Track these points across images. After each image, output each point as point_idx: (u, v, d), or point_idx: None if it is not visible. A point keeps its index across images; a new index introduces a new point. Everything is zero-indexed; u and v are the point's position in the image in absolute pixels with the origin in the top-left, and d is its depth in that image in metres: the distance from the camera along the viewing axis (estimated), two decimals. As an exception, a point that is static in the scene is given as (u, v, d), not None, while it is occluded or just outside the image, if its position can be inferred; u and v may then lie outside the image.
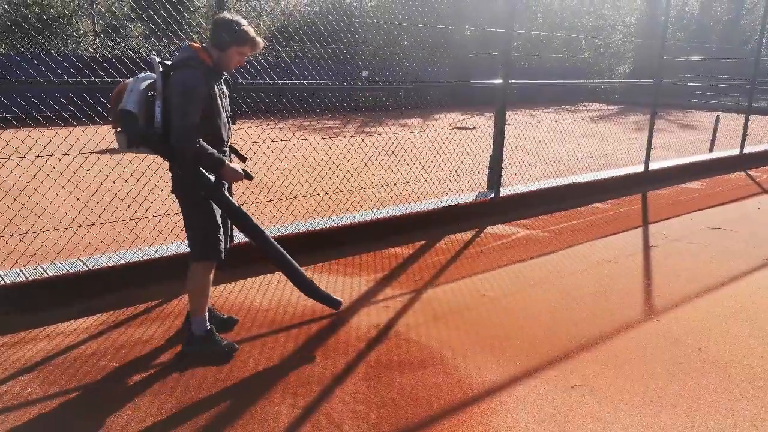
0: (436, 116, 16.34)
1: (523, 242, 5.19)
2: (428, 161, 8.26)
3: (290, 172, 7.02)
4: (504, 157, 6.10)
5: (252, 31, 2.96)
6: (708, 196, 7.30)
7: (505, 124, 6.06)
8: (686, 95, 22.62)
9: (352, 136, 11.92)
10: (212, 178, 2.95)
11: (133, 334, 3.31)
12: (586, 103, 23.51)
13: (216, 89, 2.93)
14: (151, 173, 5.10)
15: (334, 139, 11.20)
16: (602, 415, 2.63)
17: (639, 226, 5.80)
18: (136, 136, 2.79)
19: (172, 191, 3.04)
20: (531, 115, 16.85)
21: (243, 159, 3.34)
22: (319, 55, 16.58)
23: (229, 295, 3.90)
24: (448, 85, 6.97)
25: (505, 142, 6.09)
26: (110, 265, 3.84)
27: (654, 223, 5.94)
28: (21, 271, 3.67)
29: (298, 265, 3.37)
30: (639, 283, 4.28)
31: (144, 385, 2.81)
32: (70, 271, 3.71)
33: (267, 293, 3.94)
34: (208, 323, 3.12)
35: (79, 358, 3.04)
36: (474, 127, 12.96)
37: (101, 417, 2.55)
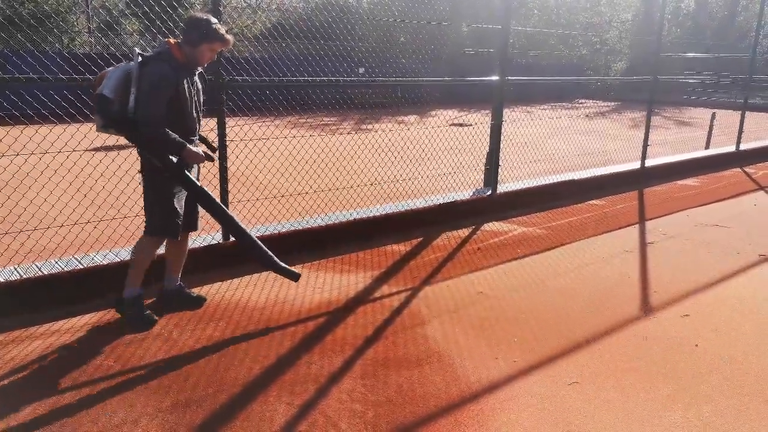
0: (433, 113, 16.32)
1: (520, 239, 5.19)
2: (425, 158, 8.26)
3: (286, 169, 6.99)
4: (501, 154, 6.10)
5: (222, 29, 3.22)
6: (704, 192, 7.31)
7: (502, 120, 6.05)
8: (682, 92, 22.66)
9: (348, 133, 11.89)
10: (175, 160, 3.19)
11: (129, 333, 3.29)
12: (583, 100, 23.52)
13: (186, 83, 3.20)
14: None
15: (331, 136, 11.18)
16: (599, 413, 2.63)
17: (636, 223, 5.81)
18: (109, 118, 3.06)
19: (139, 171, 3.29)
20: (528, 112, 16.85)
21: (213, 149, 3.60)
22: (315, 52, 16.54)
23: (225, 293, 3.88)
24: (444, 81, 6.94)
25: (501, 139, 6.08)
26: (105, 263, 3.82)
27: (650, 219, 5.95)
28: (15, 269, 3.64)
29: (258, 241, 3.54)
30: (636, 279, 4.28)
31: (140, 383, 2.79)
32: (65, 269, 3.68)
33: (263, 291, 3.92)
34: (141, 290, 3.40)
35: (74, 357, 3.02)
36: (470, 124, 12.95)
37: (97, 416, 2.53)
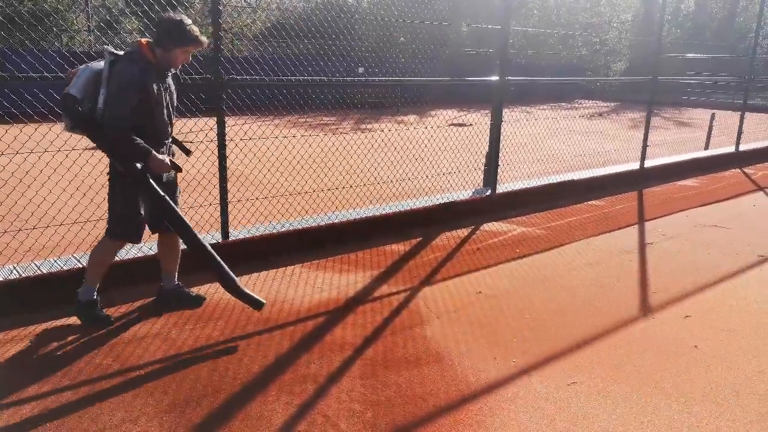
0: (433, 113, 16.32)
1: (519, 239, 5.19)
2: (424, 158, 8.25)
3: (285, 168, 6.99)
4: (500, 154, 6.10)
5: (195, 31, 3.10)
6: (703, 193, 7.32)
7: (502, 121, 6.05)
8: (682, 93, 22.67)
9: (347, 133, 11.89)
10: (140, 167, 3.08)
11: (127, 332, 3.29)
12: (582, 101, 23.53)
13: (156, 85, 3.10)
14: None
15: (330, 136, 11.17)
16: (599, 413, 2.63)
17: (635, 224, 5.81)
18: (76, 119, 2.99)
19: (108, 172, 3.21)
20: (527, 112, 16.85)
21: (187, 153, 3.45)
22: (315, 51, 16.53)
23: (224, 292, 3.87)
24: (444, 81, 6.93)
25: (501, 139, 6.08)
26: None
27: (650, 220, 5.95)
28: (14, 268, 3.64)
29: (221, 261, 3.32)
30: (635, 280, 4.28)
31: (139, 383, 2.79)
32: (64, 268, 3.68)
33: (262, 291, 3.92)
34: (95, 294, 3.36)
35: (72, 356, 3.01)
36: (470, 124, 12.95)
37: (95, 415, 2.53)
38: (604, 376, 2.94)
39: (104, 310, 3.43)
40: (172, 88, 3.30)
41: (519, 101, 17.55)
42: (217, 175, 4.24)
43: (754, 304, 3.90)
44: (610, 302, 3.86)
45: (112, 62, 3.01)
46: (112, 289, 3.71)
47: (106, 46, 3.06)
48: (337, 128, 13.00)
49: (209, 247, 3.32)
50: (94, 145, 3.09)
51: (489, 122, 6.18)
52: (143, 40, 3.09)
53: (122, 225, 3.26)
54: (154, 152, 3.09)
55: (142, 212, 3.27)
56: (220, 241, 4.30)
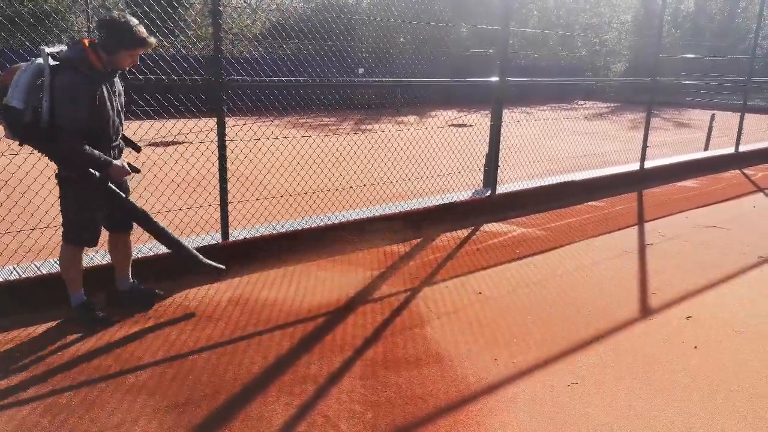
0: (432, 114, 16.32)
1: (519, 240, 5.19)
2: (424, 159, 8.25)
3: (285, 169, 6.99)
4: (500, 155, 6.10)
5: (143, 33, 3.00)
6: (703, 194, 7.32)
7: (501, 121, 6.06)
8: (682, 93, 22.67)
9: (348, 134, 11.89)
10: (97, 174, 3.05)
11: (127, 333, 3.29)
12: (582, 101, 23.54)
13: (104, 89, 3.00)
14: (145, 170, 5.07)
15: (330, 137, 11.17)
16: (598, 414, 2.63)
17: (635, 225, 5.81)
18: (20, 132, 2.85)
19: (56, 176, 3.13)
20: (527, 113, 16.85)
21: (137, 149, 3.46)
22: (315, 52, 16.54)
23: (224, 292, 3.88)
24: (444, 82, 6.93)
25: (501, 139, 6.08)
26: (104, 263, 3.81)
27: (650, 221, 5.95)
28: (14, 269, 3.64)
29: (183, 242, 3.54)
30: (635, 281, 4.28)
31: (139, 383, 2.79)
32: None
33: (262, 291, 3.92)
34: (84, 296, 3.36)
35: (73, 357, 3.01)
36: (470, 125, 12.95)
37: (95, 416, 2.53)
38: (604, 377, 2.95)
39: (100, 313, 3.41)
40: (120, 88, 3.20)
41: (519, 102, 17.56)
42: (217, 175, 4.24)
43: (754, 305, 3.90)
44: (610, 303, 3.86)
45: (54, 68, 2.84)
46: (107, 290, 3.71)
47: (42, 47, 2.86)
48: (337, 129, 13.00)
49: (171, 234, 3.46)
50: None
51: (489, 123, 6.18)
52: (86, 41, 2.93)
53: (76, 230, 3.21)
54: (114, 162, 3.08)
55: (96, 216, 3.23)
56: (220, 241, 4.30)
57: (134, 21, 2.99)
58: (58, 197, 3.19)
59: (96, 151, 3.00)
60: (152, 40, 3.05)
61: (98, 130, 3.05)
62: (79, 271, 3.35)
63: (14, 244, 4.14)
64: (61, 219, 3.24)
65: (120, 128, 3.24)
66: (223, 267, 3.76)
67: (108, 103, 3.05)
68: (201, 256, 3.60)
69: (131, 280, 3.68)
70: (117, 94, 3.16)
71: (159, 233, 3.41)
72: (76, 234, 3.23)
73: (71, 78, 2.85)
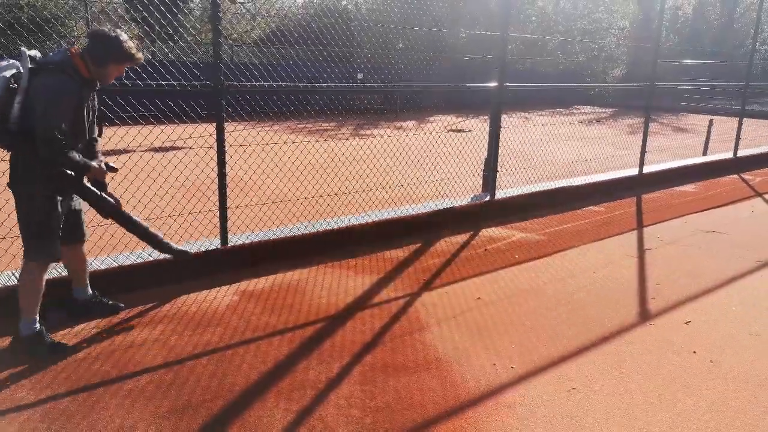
0: (431, 119, 16.36)
1: (519, 245, 5.19)
2: (423, 164, 8.27)
3: (285, 174, 7.00)
4: (499, 159, 6.11)
5: (131, 48, 2.99)
6: (702, 199, 7.33)
7: (500, 126, 6.07)
8: (680, 99, 22.74)
9: (347, 139, 11.91)
10: (73, 174, 2.97)
11: (125, 338, 3.28)
12: (580, 107, 23.60)
13: (85, 94, 2.97)
14: (144, 176, 5.08)
15: (329, 142, 11.19)
16: (598, 419, 2.63)
17: (633, 229, 5.82)
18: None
19: (8, 185, 2.97)
20: (525, 118, 16.89)
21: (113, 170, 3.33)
22: (314, 57, 16.59)
23: (223, 298, 3.87)
24: (443, 88, 6.96)
25: (499, 145, 6.09)
26: (103, 268, 3.81)
27: (648, 226, 5.96)
28: (13, 274, 3.63)
29: (160, 236, 3.45)
30: (634, 286, 4.29)
31: (137, 389, 2.78)
32: (62, 274, 3.67)
33: (261, 297, 3.92)
34: (37, 324, 3.10)
35: (71, 362, 3.01)
36: (468, 130, 12.98)
37: (94, 421, 2.52)
38: (602, 383, 2.94)
39: (51, 336, 3.17)
40: (96, 102, 3.18)
41: (517, 107, 17.60)
42: (217, 181, 4.25)
43: (753, 309, 3.90)
44: (608, 308, 3.86)
45: (34, 71, 2.80)
46: (110, 296, 3.70)
47: (23, 48, 2.82)
48: (336, 134, 13.02)
49: (149, 228, 3.37)
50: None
51: (487, 128, 6.20)
52: (73, 49, 2.90)
53: (38, 246, 3.01)
54: (92, 164, 3.03)
55: (56, 226, 3.07)
56: (218, 247, 4.30)
57: (124, 36, 2.98)
58: (16, 212, 2.98)
59: (77, 156, 2.94)
60: (140, 55, 3.04)
61: (76, 136, 3.00)
62: (40, 293, 3.10)
63: (13, 249, 4.13)
64: (21, 234, 3.01)
65: (88, 133, 3.14)
66: (190, 253, 3.76)
67: (87, 110, 3.03)
68: (173, 245, 3.54)
69: (89, 291, 3.58)
70: (92, 104, 3.12)
71: (134, 226, 3.31)
72: (40, 248, 3.02)
73: (58, 80, 2.82)
